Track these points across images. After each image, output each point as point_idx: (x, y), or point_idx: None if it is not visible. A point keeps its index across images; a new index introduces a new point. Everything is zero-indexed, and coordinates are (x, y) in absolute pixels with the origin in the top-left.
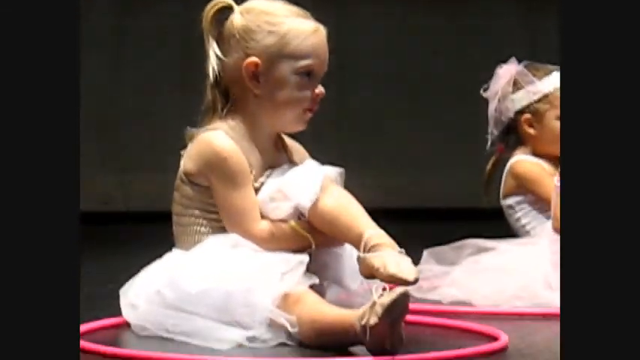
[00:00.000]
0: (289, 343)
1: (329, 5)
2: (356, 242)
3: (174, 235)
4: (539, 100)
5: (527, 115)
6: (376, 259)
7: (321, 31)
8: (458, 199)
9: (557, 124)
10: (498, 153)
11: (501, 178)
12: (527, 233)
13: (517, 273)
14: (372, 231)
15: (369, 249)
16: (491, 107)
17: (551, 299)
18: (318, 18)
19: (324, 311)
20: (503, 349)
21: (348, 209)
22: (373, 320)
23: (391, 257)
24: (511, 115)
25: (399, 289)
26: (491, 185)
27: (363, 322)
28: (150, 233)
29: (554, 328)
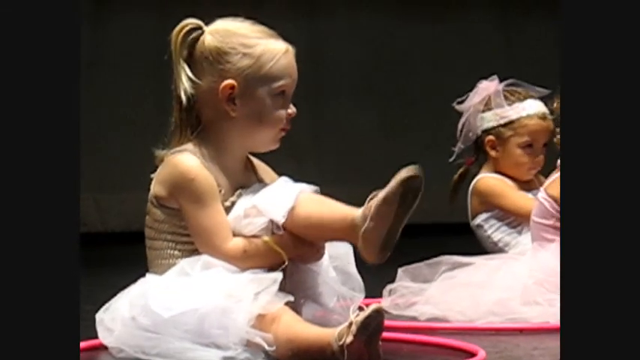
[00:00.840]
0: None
1: (303, 16)
2: (349, 229)
3: (148, 259)
4: (504, 125)
5: (491, 137)
6: (381, 194)
7: (291, 50)
8: (436, 215)
9: (518, 151)
10: (466, 165)
11: (467, 191)
12: (500, 250)
13: (493, 288)
14: (360, 209)
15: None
16: (462, 121)
17: (527, 315)
18: (292, 30)
19: (301, 330)
20: None
21: (328, 206)
22: (349, 339)
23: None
24: (478, 132)
25: (372, 306)
26: (456, 195)
27: (340, 342)
28: (127, 254)
29: (532, 343)
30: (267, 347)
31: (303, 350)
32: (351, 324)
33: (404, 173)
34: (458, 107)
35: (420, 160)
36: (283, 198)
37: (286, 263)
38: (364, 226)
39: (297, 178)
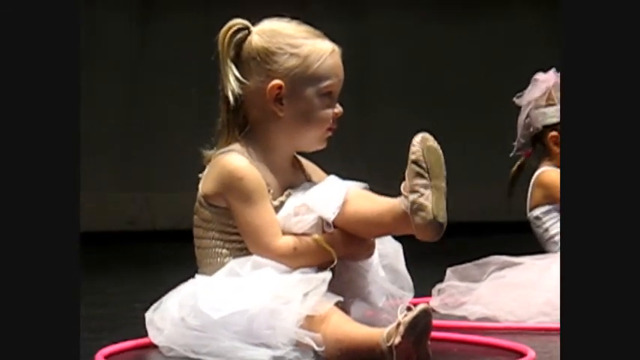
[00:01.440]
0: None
1: (349, 16)
2: (399, 217)
3: (197, 259)
4: None
5: (555, 133)
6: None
7: (337, 50)
8: (489, 213)
9: None
10: (524, 157)
11: (526, 184)
12: (556, 244)
13: (543, 288)
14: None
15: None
16: (522, 116)
17: None
18: (339, 30)
19: (350, 330)
20: None
21: (375, 201)
22: (397, 340)
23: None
24: (539, 127)
25: (420, 306)
26: (514, 188)
27: (389, 344)
28: (176, 252)
29: None
30: (316, 347)
31: (352, 350)
32: (399, 324)
33: (419, 136)
34: (517, 101)
35: (471, 159)
36: (333, 195)
37: (335, 262)
38: (409, 203)
39: (345, 177)
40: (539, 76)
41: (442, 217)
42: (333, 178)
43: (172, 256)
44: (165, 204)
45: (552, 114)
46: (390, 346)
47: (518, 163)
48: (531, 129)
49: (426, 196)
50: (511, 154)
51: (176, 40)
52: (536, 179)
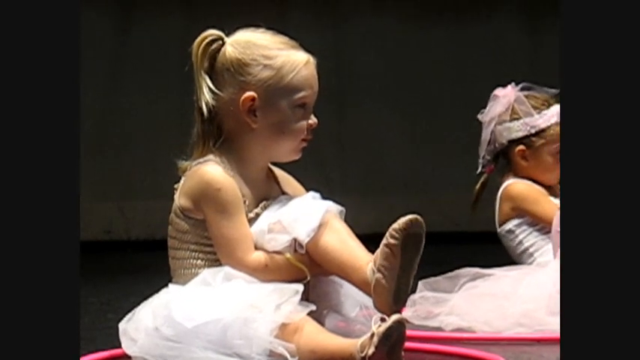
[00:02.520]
0: None
1: (328, 24)
2: (362, 282)
3: (171, 269)
4: (535, 134)
5: (521, 147)
6: (383, 243)
7: (312, 61)
8: (465, 223)
9: (551, 159)
10: (487, 174)
11: (490, 200)
12: (530, 256)
13: (519, 299)
14: (371, 259)
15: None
16: (486, 132)
17: (554, 325)
18: (317, 38)
19: (324, 341)
20: None
21: (346, 247)
22: (371, 350)
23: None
24: (505, 142)
25: (394, 317)
26: (477, 205)
27: (362, 354)
28: (151, 262)
29: (556, 354)
30: (289, 357)
31: (327, 357)
32: (372, 335)
33: (402, 222)
34: (481, 119)
35: (447, 168)
36: (308, 217)
37: (308, 279)
38: (373, 280)
39: (320, 187)
40: (499, 91)
41: (398, 305)
42: (311, 195)
43: (147, 266)
44: (141, 213)
45: (518, 128)
46: (364, 357)
47: (482, 180)
48: (496, 144)
49: (389, 282)
50: (478, 172)
51: (155, 47)
52: (502, 193)
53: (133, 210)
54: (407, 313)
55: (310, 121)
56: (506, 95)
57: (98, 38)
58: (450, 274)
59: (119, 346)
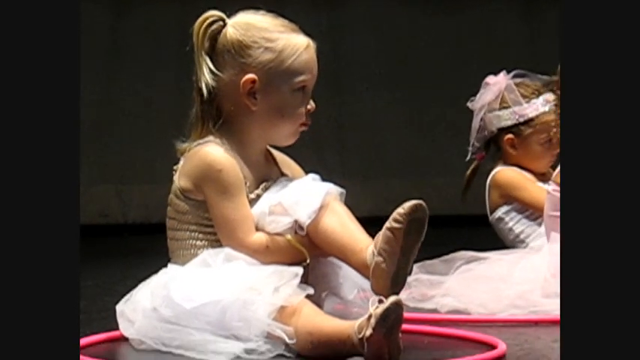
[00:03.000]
0: (287, 354)
1: (326, 8)
2: (361, 264)
3: (169, 250)
4: (524, 123)
5: (510, 136)
6: (386, 226)
7: (312, 46)
8: (463, 206)
9: (539, 148)
10: (478, 160)
11: (480, 185)
12: (521, 242)
13: (514, 281)
14: (371, 245)
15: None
16: (476, 120)
17: (549, 307)
18: (315, 21)
19: (322, 323)
20: (501, 357)
21: (347, 230)
22: (368, 332)
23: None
24: (494, 130)
25: (391, 299)
26: (468, 191)
27: (360, 335)
28: (147, 245)
29: (553, 335)
30: (287, 340)
31: (324, 343)
32: (370, 316)
33: (406, 206)
34: (470, 106)
35: (446, 151)
36: (310, 199)
37: (308, 261)
38: (373, 262)
39: (319, 170)
40: (490, 79)
41: (396, 288)
42: (311, 177)
43: (144, 249)
44: (138, 196)
45: (507, 117)
46: (362, 338)
47: (472, 166)
48: (486, 132)
49: (388, 265)
50: (467, 158)
51: (151, 33)
52: (491, 180)
53: (130, 193)
54: (402, 295)
55: (309, 106)
56: (497, 83)
57: (95, 23)
58: (445, 257)
59: (116, 328)
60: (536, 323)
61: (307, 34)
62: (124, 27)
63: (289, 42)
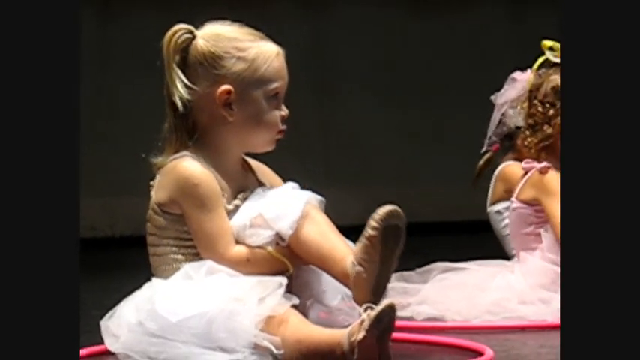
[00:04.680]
0: None
1: (311, 12)
2: (342, 274)
3: (152, 266)
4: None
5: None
6: (364, 235)
7: (281, 53)
8: (451, 214)
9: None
10: (492, 152)
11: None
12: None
13: (489, 289)
14: (352, 254)
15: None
16: (497, 114)
17: (524, 313)
18: (300, 26)
19: (310, 331)
20: None
21: (326, 240)
22: (361, 335)
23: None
24: (513, 127)
25: (386, 301)
26: (479, 180)
27: (352, 339)
28: (135, 258)
29: (539, 341)
30: (274, 350)
31: (312, 351)
32: (363, 321)
33: (381, 212)
34: (494, 99)
35: (433, 159)
36: (290, 209)
37: (291, 271)
38: (354, 272)
39: (303, 178)
40: (517, 75)
41: (377, 298)
42: (290, 186)
43: (132, 263)
44: (125, 209)
45: None
46: (353, 342)
47: (486, 157)
48: (505, 128)
49: (369, 274)
50: (482, 150)
51: (139, 45)
52: (499, 173)
53: (118, 206)
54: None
55: (282, 112)
56: (522, 80)
57: (81, 32)
58: (421, 269)
59: (103, 342)
60: (523, 329)
61: (291, 40)
62: (111, 37)
63: (260, 50)
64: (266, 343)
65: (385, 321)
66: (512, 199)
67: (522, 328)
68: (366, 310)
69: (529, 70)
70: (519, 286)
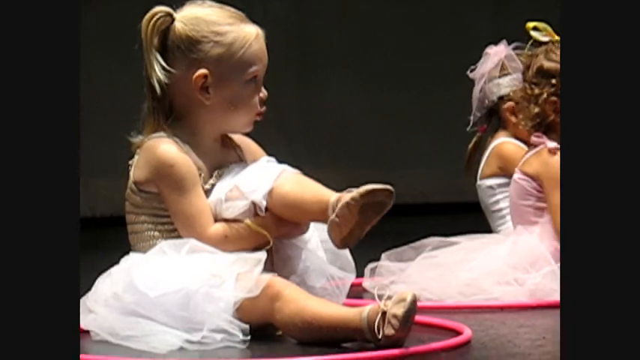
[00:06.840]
0: (235, 345)
1: None
2: (323, 213)
3: (131, 244)
4: None
5: (511, 103)
6: (345, 197)
7: (261, 34)
8: (436, 194)
9: None
10: (480, 133)
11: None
12: (502, 218)
13: (465, 269)
14: (335, 195)
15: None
16: (477, 89)
17: (496, 294)
18: (283, 9)
19: (318, 308)
20: (467, 343)
21: (306, 187)
22: (390, 331)
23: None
24: (494, 98)
25: (409, 297)
26: (471, 166)
27: (379, 335)
28: (115, 238)
29: (518, 321)
30: (241, 337)
31: (318, 327)
32: (384, 314)
33: (370, 186)
34: (471, 75)
35: (413, 140)
36: (264, 179)
37: (271, 244)
38: (331, 217)
39: (287, 160)
40: (491, 49)
41: (346, 245)
42: (265, 159)
43: (112, 243)
44: (105, 190)
45: (507, 84)
46: (375, 332)
47: (474, 139)
48: (486, 102)
49: (341, 228)
50: (468, 129)
51: (116, 25)
52: (495, 148)
53: (98, 187)
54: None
55: (261, 95)
56: (497, 52)
57: None
58: (415, 243)
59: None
60: (502, 309)
61: (272, 22)
62: (89, 19)
63: (239, 34)
64: (235, 331)
65: (412, 317)
66: (516, 169)
67: (501, 308)
68: (385, 302)
69: (502, 43)
70: (499, 264)
